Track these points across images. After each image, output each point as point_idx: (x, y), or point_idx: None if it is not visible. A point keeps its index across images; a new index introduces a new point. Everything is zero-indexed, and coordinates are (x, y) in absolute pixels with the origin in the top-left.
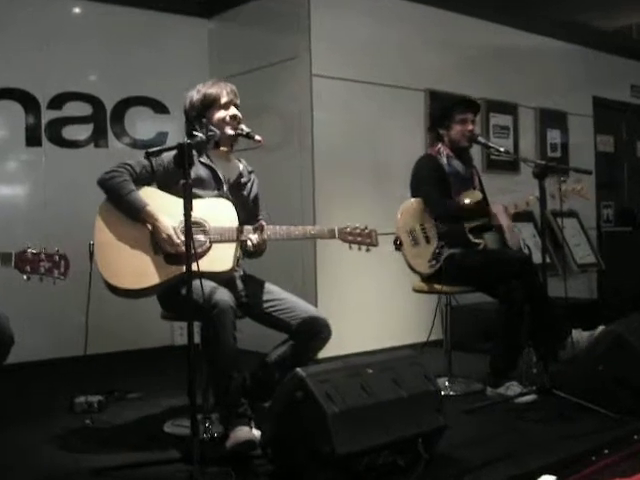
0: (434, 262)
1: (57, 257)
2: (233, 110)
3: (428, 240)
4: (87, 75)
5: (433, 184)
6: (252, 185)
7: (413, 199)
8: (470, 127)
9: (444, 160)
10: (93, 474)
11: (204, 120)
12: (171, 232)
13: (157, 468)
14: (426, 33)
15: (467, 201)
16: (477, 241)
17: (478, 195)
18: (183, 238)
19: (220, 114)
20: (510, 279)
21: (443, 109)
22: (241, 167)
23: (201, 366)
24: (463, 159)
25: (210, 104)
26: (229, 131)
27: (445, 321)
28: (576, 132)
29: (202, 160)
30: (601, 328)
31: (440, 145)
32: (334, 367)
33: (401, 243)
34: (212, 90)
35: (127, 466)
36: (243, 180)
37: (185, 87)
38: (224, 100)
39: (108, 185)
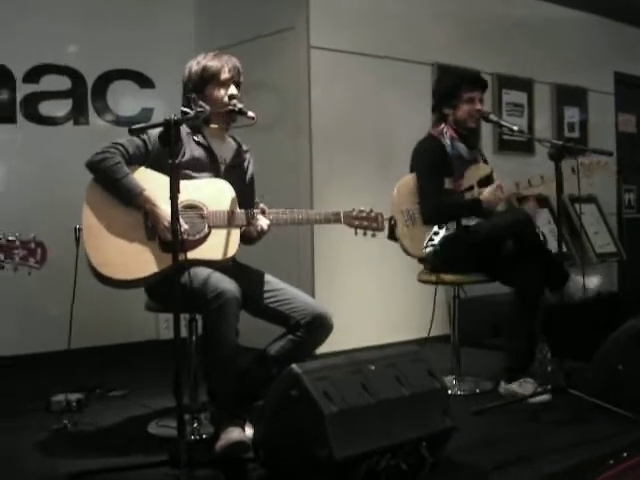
0: (429, 244)
1: (33, 244)
2: (232, 89)
3: None
4: (66, 46)
5: (431, 174)
6: (249, 165)
7: (411, 174)
8: (478, 106)
9: (447, 142)
10: (71, 479)
11: (194, 96)
12: None
13: (141, 472)
14: (433, 2)
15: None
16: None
17: (485, 169)
18: (186, 226)
19: (219, 92)
20: (522, 263)
21: (449, 87)
22: (236, 146)
23: (188, 362)
24: (468, 142)
25: (209, 79)
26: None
27: (452, 314)
28: (596, 110)
29: (197, 139)
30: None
31: (444, 125)
32: (333, 363)
33: (396, 223)
34: (212, 63)
35: (108, 470)
36: (239, 160)
37: (172, 59)
38: (224, 77)
39: (100, 168)
